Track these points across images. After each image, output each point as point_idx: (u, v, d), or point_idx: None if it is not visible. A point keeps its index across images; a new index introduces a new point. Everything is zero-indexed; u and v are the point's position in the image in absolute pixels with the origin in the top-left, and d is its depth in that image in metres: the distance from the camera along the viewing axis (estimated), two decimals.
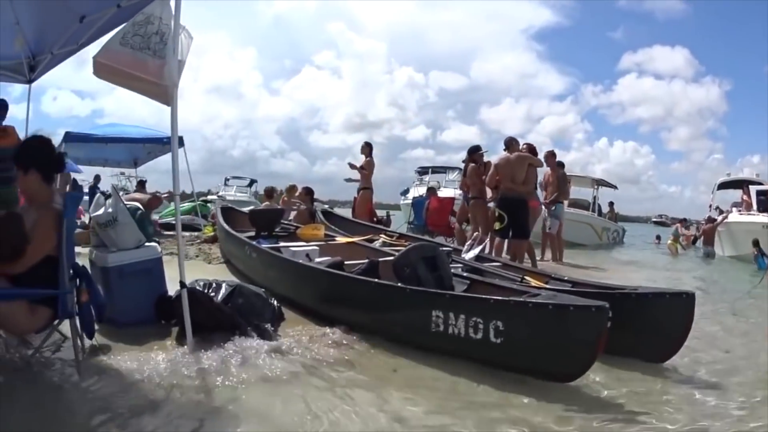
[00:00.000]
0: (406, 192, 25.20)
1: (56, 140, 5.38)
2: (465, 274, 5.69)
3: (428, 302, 4.44)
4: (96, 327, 4.13)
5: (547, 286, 5.43)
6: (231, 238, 8.07)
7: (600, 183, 23.57)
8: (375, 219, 14.47)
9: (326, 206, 13.26)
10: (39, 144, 3.84)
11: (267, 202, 13.27)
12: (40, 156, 3.78)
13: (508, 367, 4.07)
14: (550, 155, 12.17)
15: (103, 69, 4.36)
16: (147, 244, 5.21)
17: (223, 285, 5.13)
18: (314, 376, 4.05)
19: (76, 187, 16.85)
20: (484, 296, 4.40)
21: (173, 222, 12.07)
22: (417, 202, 16.20)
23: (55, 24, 5.76)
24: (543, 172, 12.19)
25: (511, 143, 9.86)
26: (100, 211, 5.05)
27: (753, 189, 19.13)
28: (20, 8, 5.53)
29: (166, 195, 13.08)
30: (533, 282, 5.63)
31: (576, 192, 22.94)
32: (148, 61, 4.31)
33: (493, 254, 8.79)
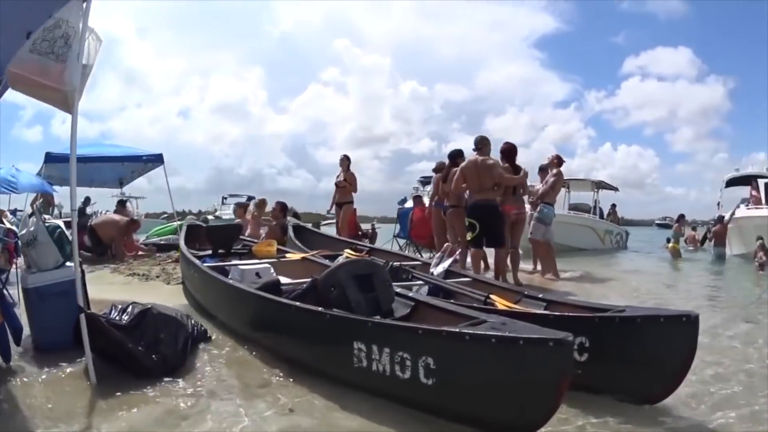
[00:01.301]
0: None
1: None
2: (410, 295, 4.85)
3: (348, 331, 3.84)
4: (15, 350, 4.37)
5: (516, 307, 4.66)
6: (183, 257, 7.70)
7: (600, 185, 23.06)
8: (360, 233, 14.20)
9: (308, 223, 13.23)
10: None
11: (239, 219, 13.02)
12: None
13: (445, 415, 3.35)
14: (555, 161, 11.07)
15: (14, 79, 4.23)
16: (68, 264, 4.98)
17: (130, 308, 4.72)
18: (215, 402, 3.84)
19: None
20: (411, 325, 3.75)
21: (162, 242, 12.73)
22: (402, 214, 15.72)
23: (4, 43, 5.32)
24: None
25: (482, 143, 8.96)
26: (24, 231, 5.07)
27: (762, 182, 18.78)
28: None
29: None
30: (499, 302, 4.81)
31: (576, 197, 23.02)
32: (50, 66, 4.07)
33: (472, 267, 8.44)
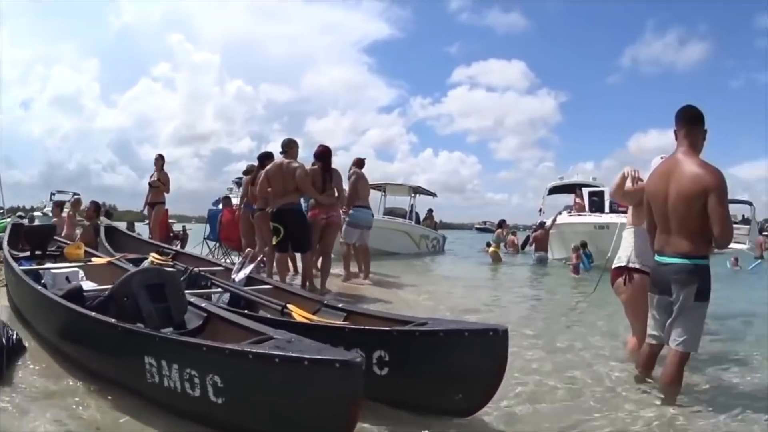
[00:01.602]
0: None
1: None
2: (203, 306, 4.42)
3: (138, 345, 3.56)
4: None
5: (314, 318, 4.32)
6: (4, 258, 7.11)
7: (417, 190, 23.06)
8: (171, 234, 14.42)
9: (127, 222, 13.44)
10: None
11: (56, 219, 12.80)
12: None
13: None
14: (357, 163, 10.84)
15: None
16: None
17: None
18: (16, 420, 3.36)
19: None
20: (196, 341, 3.42)
21: None
22: (212, 215, 14.94)
23: None
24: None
25: (288, 146, 8.71)
26: None
27: (586, 191, 19.58)
28: None
29: None
30: (296, 312, 4.45)
31: (392, 201, 23.02)
32: None
33: (277, 272, 8.40)
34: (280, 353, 2.82)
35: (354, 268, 10.38)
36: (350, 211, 9.98)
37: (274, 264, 8.63)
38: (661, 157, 4.81)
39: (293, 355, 2.78)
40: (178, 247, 13.37)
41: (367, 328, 3.81)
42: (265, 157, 9.64)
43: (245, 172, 11.30)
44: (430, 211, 25.07)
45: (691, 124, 4.11)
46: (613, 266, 5.16)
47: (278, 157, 8.78)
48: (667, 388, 4.13)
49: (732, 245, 26.65)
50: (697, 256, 3.94)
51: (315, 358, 2.71)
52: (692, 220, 3.88)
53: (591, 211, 17.91)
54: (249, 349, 2.97)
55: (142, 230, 13.40)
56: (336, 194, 9.17)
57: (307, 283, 8.47)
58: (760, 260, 18.45)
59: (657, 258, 4.16)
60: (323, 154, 9.10)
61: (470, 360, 3.45)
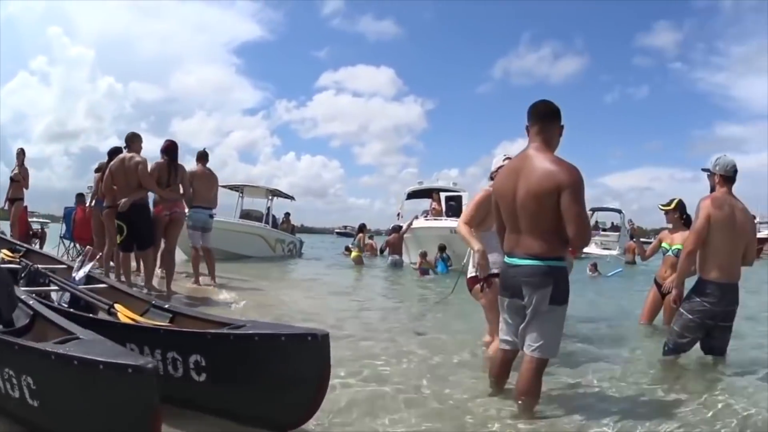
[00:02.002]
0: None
1: None
2: (30, 303, 4.13)
3: None
4: None
5: (140, 319, 4.15)
6: None
7: (275, 193, 23.02)
8: (31, 232, 14.16)
9: None
10: None
11: None
12: None
13: None
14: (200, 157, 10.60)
15: None
16: None
17: None
18: None
19: None
20: (11, 339, 3.18)
21: None
22: (67, 213, 14.57)
23: None
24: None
25: (131, 140, 8.57)
26: None
27: (443, 195, 20.03)
28: None
29: None
30: (123, 313, 4.28)
31: (250, 203, 22.85)
32: None
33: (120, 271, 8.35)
34: (79, 355, 2.66)
35: (205, 270, 10.15)
36: (192, 213, 9.78)
37: (120, 262, 8.47)
38: (505, 157, 4.90)
39: (91, 357, 2.62)
40: (37, 245, 13.29)
41: (183, 330, 3.69)
42: (114, 152, 9.30)
43: (97, 170, 10.87)
44: (287, 214, 25.09)
45: (544, 120, 3.83)
46: (468, 275, 5.19)
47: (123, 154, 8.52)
48: (523, 397, 3.83)
49: (603, 251, 28.18)
50: (551, 257, 3.67)
51: (110, 362, 2.55)
52: (544, 220, 3.62)
53: (447, 215, 18.33)
54: (51, 350, 2.81)
55: (6, 227, 13.07)
56: (181, 190, 9.05)
57: (149, 283, 8.32)
58: (621, 269, 18.97)
59: (507, 259, 3.87)
60: (169, 149, 8.97)
61: (289, 367, 3.29)
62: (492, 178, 4.88)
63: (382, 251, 21.95)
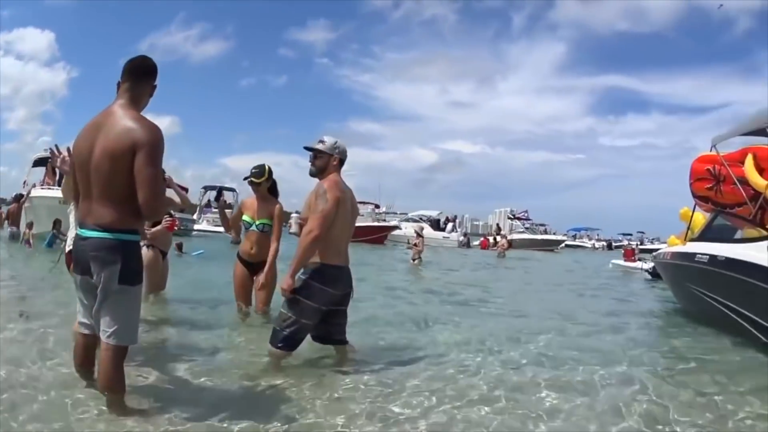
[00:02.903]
0: None
1: None
2: None
3: None
4: None
5: None
6: None
7: None
8: None
9: None
10: None
11: None
12: None
13: None
14: None
15: None
16: None
17: None
18: None
19: None
20: None
21: None
22: None
23: None
24: None
25: None
26: None
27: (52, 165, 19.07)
28: None
29: None
30: None
31: None
32: None
33: None
34: None
35: None
36: None
37: None
38: None
39: None
40: None
41: None
42: None
43: None
44: None
45: (138, 76, 3.50)
46: (67, 250, 4.87)
47: None
48: (106, 390, 3.45)
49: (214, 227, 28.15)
50: (122, 230, 3.30)
51: None
52: (118, 185, 3.24)
53: (59, 185, 17.41)
54: None
55: None
56: None
57: None
58: (203, 250, 18.43)
59: (78, 230, 3.43)
60: None
61: None
62: None
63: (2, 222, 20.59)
